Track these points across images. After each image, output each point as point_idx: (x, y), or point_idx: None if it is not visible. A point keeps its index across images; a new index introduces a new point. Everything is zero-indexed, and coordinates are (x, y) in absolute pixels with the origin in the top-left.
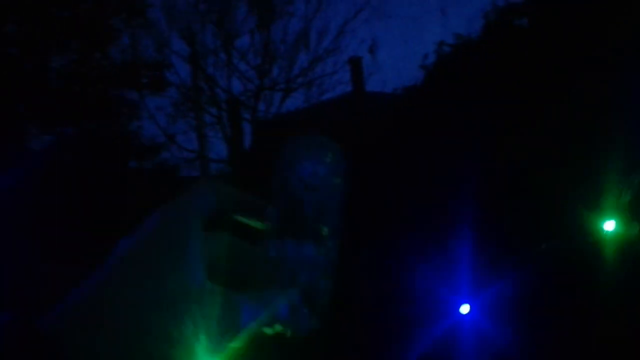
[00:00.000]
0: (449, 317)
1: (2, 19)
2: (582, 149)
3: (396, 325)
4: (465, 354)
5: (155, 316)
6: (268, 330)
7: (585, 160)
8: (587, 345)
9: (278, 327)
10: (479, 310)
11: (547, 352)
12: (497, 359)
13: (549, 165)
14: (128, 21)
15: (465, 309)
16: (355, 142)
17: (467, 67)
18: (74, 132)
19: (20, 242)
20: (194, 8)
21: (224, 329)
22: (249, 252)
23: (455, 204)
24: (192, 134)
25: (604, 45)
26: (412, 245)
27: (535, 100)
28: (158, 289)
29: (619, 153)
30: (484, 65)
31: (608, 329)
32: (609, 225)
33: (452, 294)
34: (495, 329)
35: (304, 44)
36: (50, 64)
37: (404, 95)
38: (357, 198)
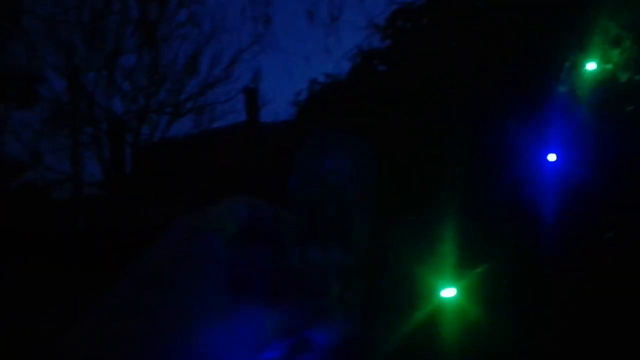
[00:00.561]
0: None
1: None
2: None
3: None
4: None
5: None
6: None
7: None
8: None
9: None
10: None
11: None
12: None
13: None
14: None
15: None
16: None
17: (332, 106)
18: None
19: None
20: (76, 19)
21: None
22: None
23: None
24: (64, 154)
25: (450, 94)
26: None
27: (392, 140)
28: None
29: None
30: (347, 105)
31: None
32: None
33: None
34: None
35: (194, 69)
36: None
37: (278, 130)
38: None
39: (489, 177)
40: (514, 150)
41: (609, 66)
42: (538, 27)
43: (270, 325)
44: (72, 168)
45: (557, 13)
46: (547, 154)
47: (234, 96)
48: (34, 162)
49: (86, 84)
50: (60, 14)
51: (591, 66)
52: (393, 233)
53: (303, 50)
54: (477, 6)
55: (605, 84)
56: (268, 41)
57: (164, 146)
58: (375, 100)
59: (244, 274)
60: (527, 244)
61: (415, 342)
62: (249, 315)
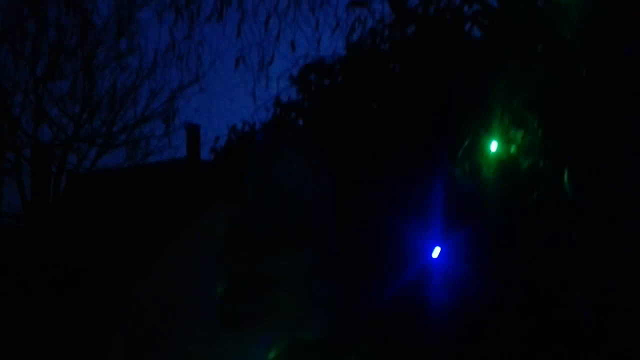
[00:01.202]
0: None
1: None
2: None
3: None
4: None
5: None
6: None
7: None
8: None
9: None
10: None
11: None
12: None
13: None
14: None
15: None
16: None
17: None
18: None
19: None
20: (7, 39)
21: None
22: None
23: None
24: None
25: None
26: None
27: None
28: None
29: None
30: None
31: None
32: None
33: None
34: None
35: (132, 101)
36: None
37: (202, 172)
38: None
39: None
40: (400, 241)
41: (512, 148)
42: (445, 101)
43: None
44: None
45: (462, 85)
46: (432, 248)
47: (172, 132)
48: None
49: (12, 108)
50: None
51: (494, 146)
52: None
53: (236, 92)
54: (389, 72)
55: (507, 168)
56: (204, 81)
57: (95, 177)
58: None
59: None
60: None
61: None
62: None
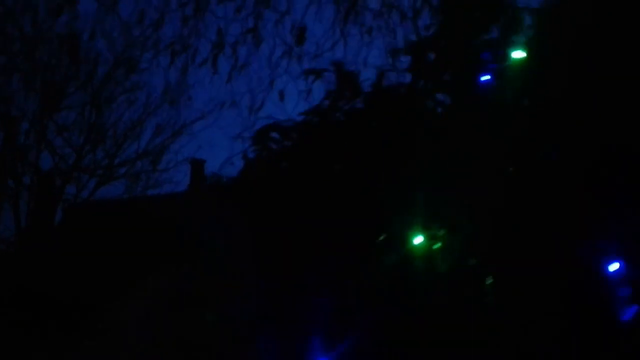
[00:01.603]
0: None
1: None
2: None
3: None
4: None
5: None
6: None
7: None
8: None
9: None
10: None
11: None
12: None
13: None
14: None
15: None
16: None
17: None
18: None
19: None
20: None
21: None
22: None
23: None
24: None
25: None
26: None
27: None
28: None
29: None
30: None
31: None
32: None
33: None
34: None
35: (136, 135)
36: None
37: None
38: None
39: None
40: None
41: (436, 245)
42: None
43: None
44: None
45: (381, 184)
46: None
47: (173, 167)
48: None
49: (17, 136)
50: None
51: (418, 240)
52: None
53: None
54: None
55: (427, 264)
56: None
57: (94, 207)
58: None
59: None
60: None
61: None
62: None
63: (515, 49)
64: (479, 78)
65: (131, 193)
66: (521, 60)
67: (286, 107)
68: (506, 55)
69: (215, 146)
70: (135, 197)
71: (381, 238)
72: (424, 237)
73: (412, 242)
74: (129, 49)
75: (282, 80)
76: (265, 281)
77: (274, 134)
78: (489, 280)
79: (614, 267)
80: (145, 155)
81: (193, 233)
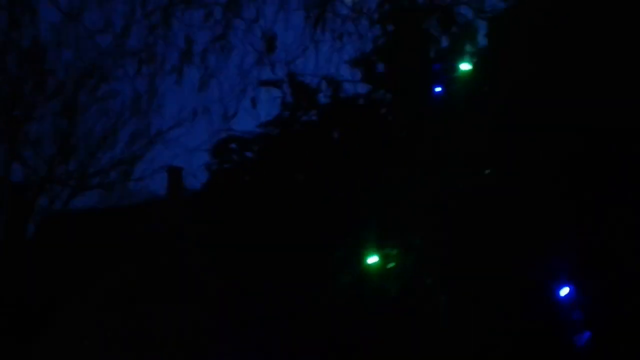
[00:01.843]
0: None
1: None
2: None
3: None
4: None
5: None
6: None
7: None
8: None
9: None
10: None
11: None
12: None
13: None
14: None
15: None
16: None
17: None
18: None
19: None
20: None
21: None
22: None
23: None
24: None
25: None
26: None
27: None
28: None
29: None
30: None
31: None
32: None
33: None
34: None
35: (110, 144)
36: None
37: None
38: None
39: None
40: None
41: (391, 265)
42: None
43: None
44: None
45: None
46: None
47: (149, 176)
48: None
49: None
50: None
51: (372, 260)
52: None
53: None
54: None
55: (381, 283)
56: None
57: (70, 217)
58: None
59: None
60: None
61: None
62: None
63: (467, 59)
64: (432, 89)
65: (107, 203)
66: (469, 72)
67: (260, 115)
68: (456, 67)
69: (192, 154)
70: (112, 207)
71: (337, 255)
72: (378, 257)
73: (366, 261)
74: (98, 57)
75: (254, 88)
76: (222, 287)
77: (234, 146)
78: (443, 300)
79: (564, 291)
80: (119, 164)
81: (157, 237)
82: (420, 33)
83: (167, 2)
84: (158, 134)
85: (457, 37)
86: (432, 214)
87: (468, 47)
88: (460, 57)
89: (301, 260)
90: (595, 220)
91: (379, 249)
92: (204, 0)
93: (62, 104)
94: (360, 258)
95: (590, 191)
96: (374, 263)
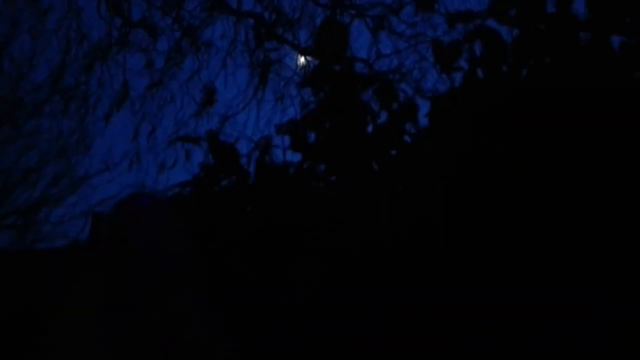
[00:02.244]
0: None
1: None
2: None
3: None
4: None
5: None
6: None
7: None
8: None
9: None
10: None
11: None
12: None
13: None
14: None
15: None
16: None
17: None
18: None
19: None
20: None
21: None
22: None
23: None
24: None
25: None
26: None
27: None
28: None
29: None
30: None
31: None
32: None
33: None
34: None
35: (30, 183)
36: None
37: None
38: None
39: None
40: None
41: None
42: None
43: None
44: None
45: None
46: None
47: (68, 220)
48: None
49: None
50: None
51: None
52: None
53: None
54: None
55: None
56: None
57: None
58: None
59: None
60: None
61: None
62: None
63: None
64: (369, 165)
65: (20, 245)
66: (408, 151)
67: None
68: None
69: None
70: (23, 250)
71: None
72: None
73: None
74: (27, 91)
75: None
76: None
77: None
78: None
79: None
80: (38, 205)
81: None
82: (357, 104)
83: (106, 43)
84: (84, 177)
85: (397, 114)
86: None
87: (408, 126)
88: (399, 135)
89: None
90: None
91: None
92: (144, 46)
93: None
94: None
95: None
96: None
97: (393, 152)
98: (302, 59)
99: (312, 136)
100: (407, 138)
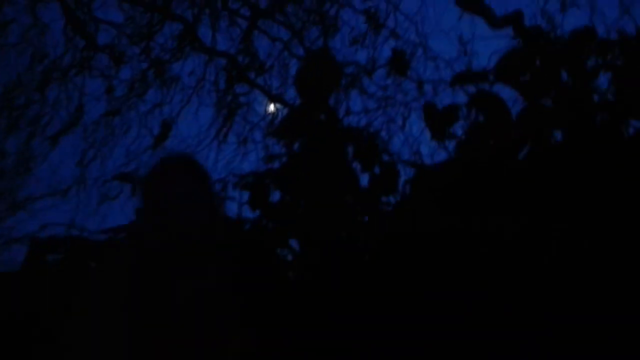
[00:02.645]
0: None
1: None
2: None
3: None
4: None
5: None
6: None
7: None
8: None
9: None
10: None
11: None
12: None
13: None
14: None
15: None
16: None
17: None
18: None
19: None
20: None
21: None
22: None
23: None
24: None
25: None
26: None
27: None
28: None
29: None
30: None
31: None
32: None
33: None
34: None
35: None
36: None
37: None
38: None
39: None
40: None
41: None
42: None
43: None
44: None
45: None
46: None
47: (4, 244)
48: None
49: None
50: None
51: None
52: None
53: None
54: None
55: None
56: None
57: None
58: None
59: None
60: None
61: None
62: None
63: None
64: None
65: None
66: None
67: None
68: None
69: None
70: None
71: None
72: None
73: None
74: None
75: (142, 173)
76: None
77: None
78: None
79: None
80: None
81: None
82: (334, 162)
83: (67, 64)
84: (25, 200)
85: (379, 179)
86: None
87: (388, 192)
88: (381, 202)
89: None
90: None
91: None
92: (106, 73)
93: None
94: None
95: None
96: None
97: (365, 219)
98: (272, 106)
99: (277, 194)
100: (384, 207)
